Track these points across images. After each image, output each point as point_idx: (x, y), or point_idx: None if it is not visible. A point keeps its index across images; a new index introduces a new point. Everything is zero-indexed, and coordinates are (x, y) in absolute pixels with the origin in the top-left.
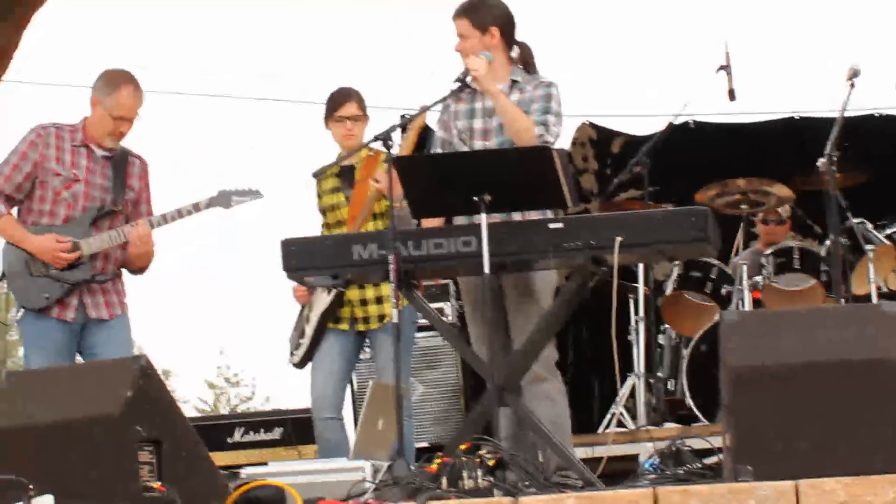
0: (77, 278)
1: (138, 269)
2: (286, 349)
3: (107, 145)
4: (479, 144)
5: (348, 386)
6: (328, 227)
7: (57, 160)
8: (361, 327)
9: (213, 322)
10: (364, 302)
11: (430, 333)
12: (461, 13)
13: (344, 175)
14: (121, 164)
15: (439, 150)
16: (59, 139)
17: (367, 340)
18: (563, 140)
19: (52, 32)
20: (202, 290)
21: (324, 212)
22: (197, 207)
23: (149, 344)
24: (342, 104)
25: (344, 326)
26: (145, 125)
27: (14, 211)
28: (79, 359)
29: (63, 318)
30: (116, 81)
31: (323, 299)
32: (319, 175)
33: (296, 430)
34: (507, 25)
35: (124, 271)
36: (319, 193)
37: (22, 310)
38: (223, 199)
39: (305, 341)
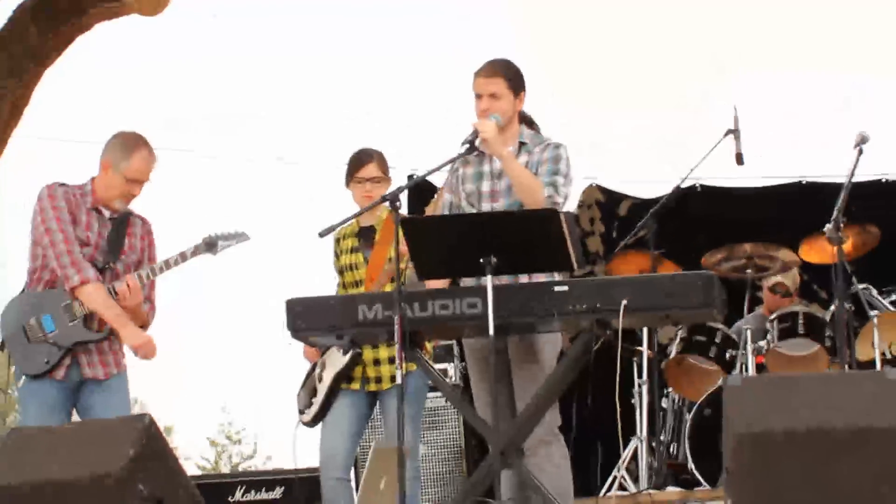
0: (73, 340)
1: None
2: (290, 407)
3: (115, 207)
4: (486, 207)
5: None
6: (344, 287)
7: (73, 222)
8: (373, 387)
9: (216, 379)
10: (377, 362)
11: (434, 394)
12: (497, 72)
13: (363, 235)
14: (121, 224)
15: (447, 213)
16: (72, 201)
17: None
18: (570, 202)
19: (60, 90)
20: (205, 346)
21: (341, 271)
22: (184, 256)
23: (151, 400)
24: (363, 165)
25: (355, 386)
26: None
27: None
28: (75, 417)
29: (55, 377)
30: (131, 145)
31: (338, 359)
32: (326, 234)
33: (301, 489)
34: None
35: None
36: (337, 253)
37: (24, 377)
38: (209, 246)
39: (318, 400)
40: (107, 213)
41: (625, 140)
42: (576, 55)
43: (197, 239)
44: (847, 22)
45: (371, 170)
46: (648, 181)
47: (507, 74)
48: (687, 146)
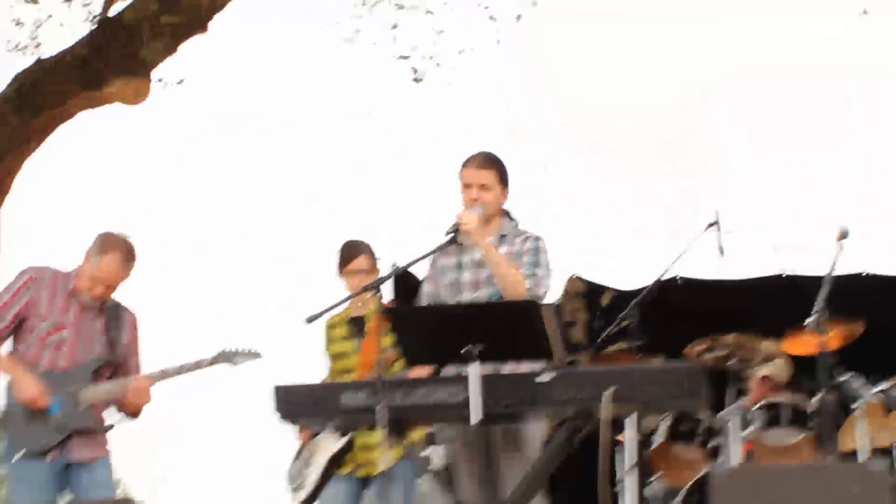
0: (74, 427)
1: (131, 414)
2: (278, 490)
3: (84, 299)
4: (468, 296)
5: None
6: (335, 374)
7: (48, 304)
8: (363, 472)
9: (200, 461)
10: (368, 447)
11: (419, 480)
12: (489, 164)
13: (355, 324)
14: (114, 316)
15: (426, 304)
16: (53, 284)
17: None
18: (552, 292)
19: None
20: (187, 427)
21: (332, 358)
22: (199, 365)
23: (133, 482)
24: (353, 258)
25: (346, 471)
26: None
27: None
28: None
29: (45, 459)
30: (107, 246)
31: (332, 443)
32: (312, 321)
33: None
34: None
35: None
36: (329, 340)
37: (21, 452)
38: (227, 358)
39: (310, 484)
40: (91, 303)
41: (625, 140)
42: (575, 55)
43: (212, 350)
44: (847, 22)
45: (361, 262)
46: (630, 269)
47: (499, 168)
48: (687, 146)
